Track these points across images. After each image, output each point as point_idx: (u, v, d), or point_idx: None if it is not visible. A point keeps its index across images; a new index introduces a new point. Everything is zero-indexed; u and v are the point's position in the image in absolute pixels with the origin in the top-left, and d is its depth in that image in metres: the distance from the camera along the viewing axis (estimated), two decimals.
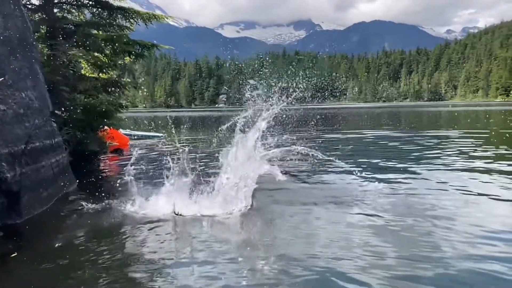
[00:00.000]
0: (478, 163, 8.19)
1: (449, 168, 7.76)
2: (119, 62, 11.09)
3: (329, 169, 7.69)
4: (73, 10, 10.39)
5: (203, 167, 7.78)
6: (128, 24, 10.72)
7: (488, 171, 7.29)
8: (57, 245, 3.93)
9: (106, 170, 8.99)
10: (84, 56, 9.48)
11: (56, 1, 9.87)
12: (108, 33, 10.24)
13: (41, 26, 9.48)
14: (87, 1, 10.18)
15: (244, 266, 3.32)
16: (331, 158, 5.88)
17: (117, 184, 6.09)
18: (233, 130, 5.38)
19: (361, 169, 7.17)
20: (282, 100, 5.54)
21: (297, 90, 5.76)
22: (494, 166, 7.86)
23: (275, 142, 5.53)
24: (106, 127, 10.72)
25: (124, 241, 4.10)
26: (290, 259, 3.39)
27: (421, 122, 24.08)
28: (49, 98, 6.30)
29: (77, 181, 6.77)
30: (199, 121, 34.26)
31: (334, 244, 3.76)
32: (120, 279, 3.15)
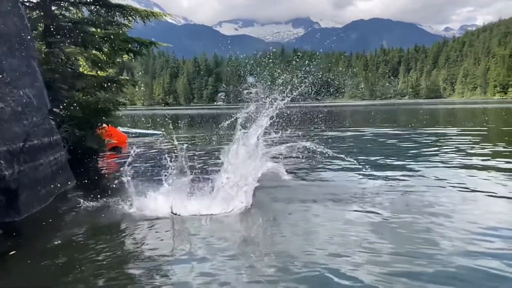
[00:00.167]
0: (476, 160, 8.23)
1: (447, 165, 7.79)
2: (118, 59, 11.07)
3: (328, 167, 7.71)
4: (71, 8, 10.35)
5: (202, 164, 7.79)
6: (126, 22, 10.69)
7: (486, 168, 7.33)
8: (55, 242, 3.93)
9: (105, 168, 8.99)
10: (82, 54, 9.46)
11: None
12: (106, 30, 10.21)
13: (39, 24, 9.45)
14: None
15: (243, 263, 3.33)
16: (342, 156, 5.86)
17: (116, 182, 6.10)
18: (233, 127, 5.36)
19: (359, 166, 7.19)
20: (284, 97, 5.50)
21: (295, 88, 5.74)
22: (492, 163, 7.89)
23: (277, 139, 5.50)
24: (104, 125, 10.71)
25: (123, 238, 4.10)
26: (289, 256, 3.40)
27: (420, 120, 24.12)
28: (47, 95, 6.28)
29: (76, 179, 6.77)
30: (198, 119, 34.22)
31: (333, 241, 3.78)
32: (118, 276, 3.15)
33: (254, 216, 4.83)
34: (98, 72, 10.56)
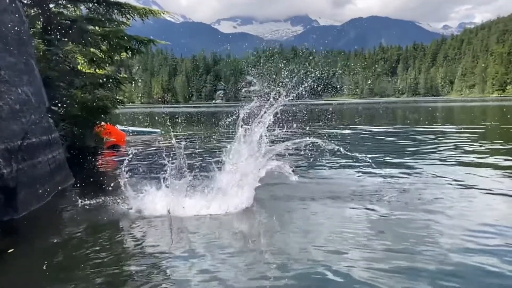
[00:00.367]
0: (474, 158, 8.25)
1: (445, 162, 7.81)
2: (116, 57, 11.04)
3: (327, 164, 7.72)
4: (69, 6, 10.33)
5: (201, 162, 7.77)
6: (124, 20, 10.67)
7: (484, 165, 7.36)
8: (53, 241, 3.92)
9: (103, 166, 8.98)
10: (80, 52, 9.44)
11: None
12: (104, 28, 10.19)
13: (37, 22, 9.41)
14: None
15: (242, 261, 3.33)
16: (355, 154, 5.86)
17: (114, 180, 6.08)
18: (234, 125, 5.33)
19: (359, 163, 7.21)
20: (287, 94, 5.45)
21: (294, 86, 5.71)
22: (489, 160, 7.92)
23: (282, 135, 5.46)
24: (103, 123, 10.70)
25: (122, 236, 4.10)
26: (288, 253, 3.41)
27: (418, 118, 24.15)
28: (46, 93, 6.26)
29: (74, 177, 6.76)
30: (197, 117, 34.19)
31: (332, 238, 3.78)
32: (117, 274, 3.15)
33: (253, 214, 4.83)
34: (96, 70, 10.54)
